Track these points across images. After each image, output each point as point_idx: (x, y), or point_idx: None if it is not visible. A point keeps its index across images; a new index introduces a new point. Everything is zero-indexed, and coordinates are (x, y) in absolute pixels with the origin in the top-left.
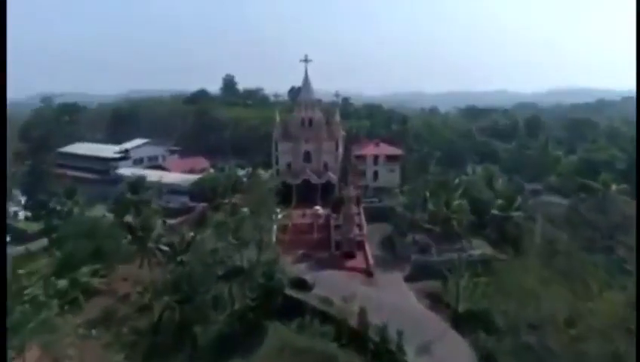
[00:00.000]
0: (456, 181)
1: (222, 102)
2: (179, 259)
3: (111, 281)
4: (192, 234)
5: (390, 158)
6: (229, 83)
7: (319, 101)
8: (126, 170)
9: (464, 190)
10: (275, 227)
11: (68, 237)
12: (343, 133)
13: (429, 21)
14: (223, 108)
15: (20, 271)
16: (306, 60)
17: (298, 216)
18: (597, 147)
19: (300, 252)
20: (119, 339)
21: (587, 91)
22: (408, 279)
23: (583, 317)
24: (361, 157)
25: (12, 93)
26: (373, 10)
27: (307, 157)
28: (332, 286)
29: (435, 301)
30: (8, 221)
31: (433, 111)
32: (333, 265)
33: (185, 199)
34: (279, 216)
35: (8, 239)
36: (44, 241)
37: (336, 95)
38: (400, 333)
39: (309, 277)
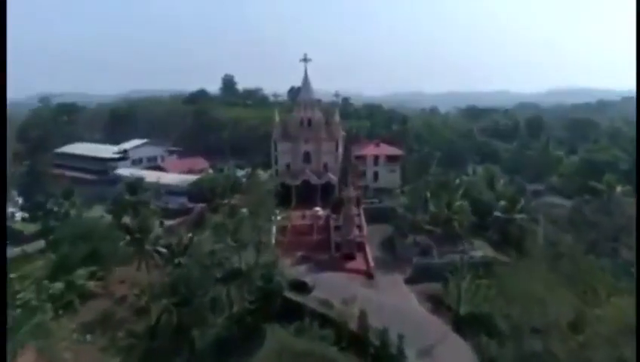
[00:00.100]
0: (457, 181)
1: (221, 102)
2: (176, 261)
3: (108, 284)
4: (189, 235)
5: (390, 159)
6: (228, 83)
7: (319, 101)
8: (124, 171)
9: (465, 191)
10: (274, 228)
11: (64, 239)
12: (342, 133)
13: (429, 21)
14: (223, 109)
15: (12, 276)
16: (305, 60)
17: (297, 218)
18: (599, 147)
19: (300, 253)
20: (115, 343)
21: (587, 91)
22: (409, 281)
23: (589, 323)
24: (362, 158)
25: (12, 93)
26: (374, 10)
27: (307, 157)
28: (332, 288)
29: (437, 303)
30: None
31: (433, 111)
32: (333, 267)
33: (183, 200)
34: (278, 218)
35: None
36: (41, 243)
37: (336, 95)
38: (401, 337)
39: (308, 279)
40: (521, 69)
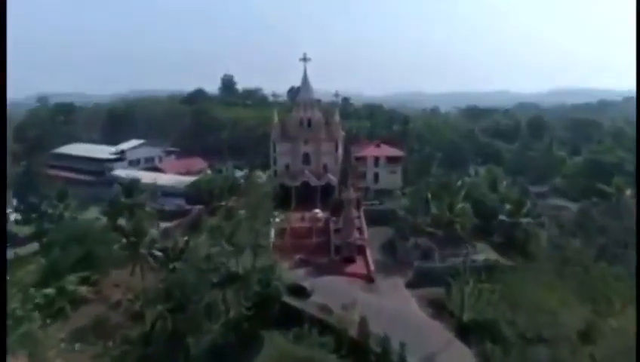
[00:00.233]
0: (459, 183)
1: (220, 102)
2: (171, 266)
3: (102, 288)
4: (185, 238)
5: (391, 160)
6: (227, 83)
7: (318, 101)
8: (121, 172)
9: (467, 192)
10: (272, 231)
11: (57, 242)
12: (342, 133)
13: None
14: (222, 109)
15: None
16: (304, 59)
17: (296, 220)
18: (603, 148)
19: (298, 257)
20: (108, 350)
21: (587, 91)
22: (410, 285)
23: (602, 334)
24: (362, 159)
25: (11, 93)
26: (374, 10)
27: (306, 158)
28: (331, 292)
29: (439, 309)
30: None
31: (434, 111)
32: (332, 271)
33: (181, 201)
34: (277, 220)
35: None
36: (34, 245)
37: (336, 95)
38: (403, 345)
39: (307, 283)
40: (521, 69)
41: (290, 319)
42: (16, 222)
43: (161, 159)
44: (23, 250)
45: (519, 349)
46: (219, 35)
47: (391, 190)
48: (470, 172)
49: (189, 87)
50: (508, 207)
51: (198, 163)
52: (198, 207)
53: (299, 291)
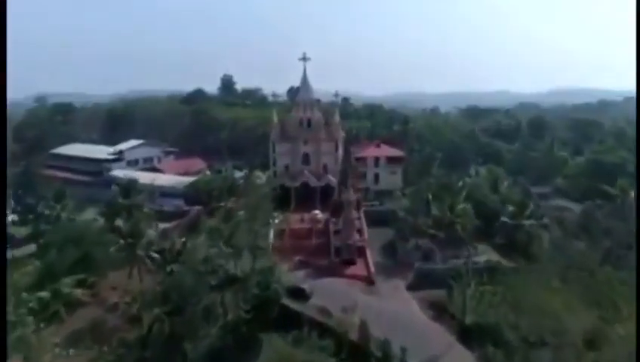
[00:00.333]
0: (460, 183)
1: (220, 102)
2: (168, 268)
3: (99, 291)
4: (183, 240)
5: (392, 160)
6: (227, 83)
7: (318, 101)
8: (119, 172)
9: (468, 193)
10: (271, 232)
11: (53, 244)
12: (342, 134)
13: (430, 21)
14: (221, 109)
15: None
16: (304, 59)
17: (296, 221)
18: (605, 149)
19: (298, 258)
20: (104, 355)
21: (587, 91)
22: (411, 287)
23: (609, 341)
24: (362, 159)
25: (11, 93)
26: (374, 10)
27: (306, 159)
28: (331, 295)
29: (440, 311)
30: None
31: (434, 111)
32: (332, 273)
33: (180, 202)
34: (276, 221)
35: None
36: (32, 247)
37: (336, 95)
38: (404, 350)
39: (306, 285)
40: (521, 69)
41: (289, 322)
42: (13, 223)
43: (159, 159)
44: (19, 252)
45: (522, 353)
46: (218, 35)
47: (391, 191)
48: (471, 172)
49: (188, 87)
50: (511, 208)
51: (198, 163)
52: (197, 207)
53: (298, 293)
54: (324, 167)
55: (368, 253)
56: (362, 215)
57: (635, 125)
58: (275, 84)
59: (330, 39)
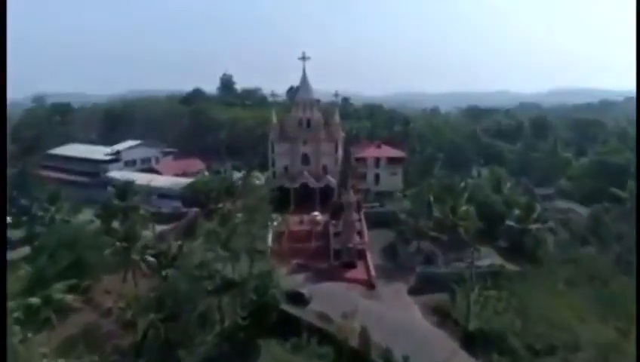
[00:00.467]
0: (462, 185)
1: (219, 102)
2: (164, 273)
3: (93, 295)
4: (179, 244)
5: (392, 161)
6: (226, 83)
7: (318, 101)
8: (116, 173)
9: (470, 194)
10: (270, 235)
11: (47, 247)
12: (342, 134)
13: (430, 21)
14: (220, 109)
15: None
16: (304, 58)
17: (295, 223)
18: (609, 149)
19: (297, 261)
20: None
21: (588, 91)
22: (412, 291)
23: (625, 355)
24: (362, 160)
25: (11, 93)
26: (374, 10)
27: (305, 159)
28: (331, 299)
29: (442, 316)
30: None
31: (434, 111)
32: (332, 277)
33: (178, 203)
34: (275, 223)
35: None
36: (26, 249)
37: (336, 95)
38: (406, 358)
39: (305, 290)
40: (521, 69)
41: (287, 328)
42: (8, 225)
43: (157, 160)
44: (13, 254)
45: (527, 361)
46: (217, 35)
47: (392, 192)
48: (473, 173)
49: (188, 87)
50: (517, 212)
51: (196, 164)
52: (195, 209)
53: (297, 298)
54: (324, 167)
55: (369, 255)
56: (362, 217)
57: (635, 125)
58: (275, 84)
59: (330, 39)
